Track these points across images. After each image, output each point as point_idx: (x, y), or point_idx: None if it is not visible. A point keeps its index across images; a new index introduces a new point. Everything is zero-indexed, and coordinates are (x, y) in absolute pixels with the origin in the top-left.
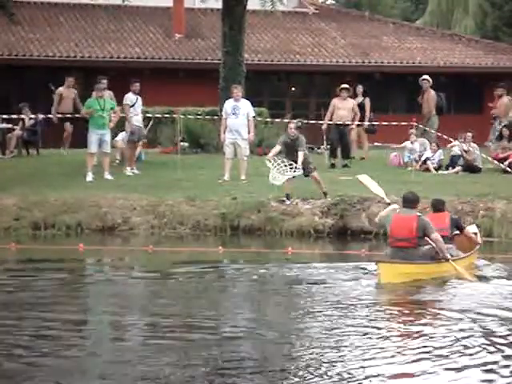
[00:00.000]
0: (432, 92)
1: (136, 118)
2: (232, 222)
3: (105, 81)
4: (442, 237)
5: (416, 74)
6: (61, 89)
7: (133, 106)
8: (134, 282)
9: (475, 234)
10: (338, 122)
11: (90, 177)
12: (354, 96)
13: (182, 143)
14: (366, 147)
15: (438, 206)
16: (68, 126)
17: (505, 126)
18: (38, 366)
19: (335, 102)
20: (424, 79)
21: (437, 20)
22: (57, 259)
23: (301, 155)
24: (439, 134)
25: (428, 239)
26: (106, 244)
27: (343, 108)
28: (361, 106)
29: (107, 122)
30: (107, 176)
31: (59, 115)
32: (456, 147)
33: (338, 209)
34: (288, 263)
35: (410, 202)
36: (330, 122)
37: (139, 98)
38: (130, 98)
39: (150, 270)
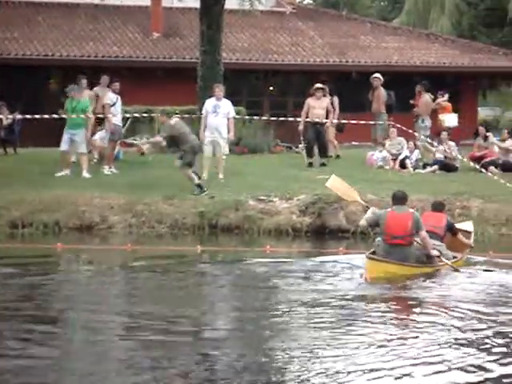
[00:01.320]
0: (382, 90)
1: (116, 118)
2: (210, 221)
3: (84, 81)
4: (435, 234)
5: (393, 73)
6: (96, 89)
7: (113, 105)
8: (111, 280)
9: (470, 232)
10: (316, 120)
11: (60, 173)
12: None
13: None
14: (336, 145)
15: (437, 207)
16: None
17: (481, 124)
18: (10, 369)
19: (310, 101)
20: (375, 77)
21: (413, 20)
22: (34, 258)
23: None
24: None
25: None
26: (84, 243)
27: (318, 107)
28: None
29: (80, 122)
30: (85, 174)
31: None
32: (438, 153)
33: (315, 207)
34: (267, 261)
35: (400, 199)
36: (308, 120)
37: (119, 98)
38: (110, 97)
39: (129, 269)
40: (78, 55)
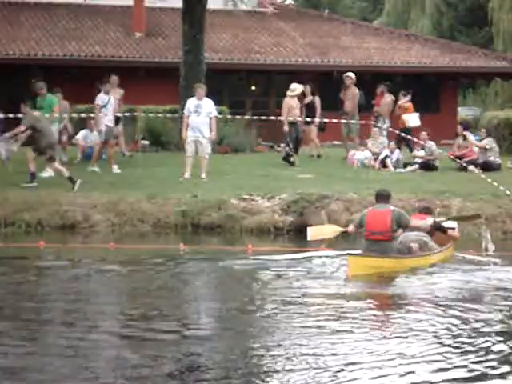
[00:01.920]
0: (356, 89)
1: (108, 118)
2: (192, 220)
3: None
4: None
5: (374, 73)
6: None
7: (104, 106)
8: (93, 279)
9: (453, 229)
10: (298, 119)
11: (45, 173)
12: (304, 96)
13: (142, 141)
14: (318, 144)
15: (424, 210)
16: (118, 129)
17: (460, 123)
18: None
19: (289, 101)
20: (347, 76)
21: (394, 20)
22: (16, 257)
23: None
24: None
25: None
26: (67, 242)
27: (297, 107)
28: (310, 105)
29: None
30: (44, 173)
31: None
32: (421, 151)
33: (297, 206)
34: (250, 259)
35: (383, 197)
36: (290, 119)
37: (112, 98)
38: (101, 98)
39: (111, 268)
40: (61, 55)
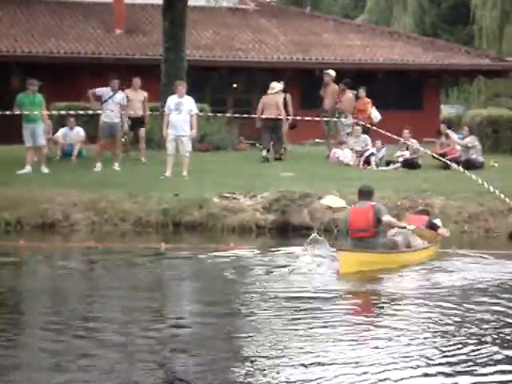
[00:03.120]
0: (336, 86)
1: (106, 114)
2: (174, 218)
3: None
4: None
5: (357, 70)
6: (127, 91)
7: (106, 101)
8: (73, 277)
9: (439, 227)
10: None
11: (26, 169)
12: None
13: (123, 139)
14: (287, 140)
15: (420, 212)
16: (141, 131)
17: (443, 122)
18: None
19: (264, 99)
20: (325, 73)
21: (376, 17)
22: None
23: None
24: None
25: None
26: (47, 240)
27: (275, 105)
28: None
29: (39, 116)
30: (43, 169)
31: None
32: (406, 152)
33: (279, 205)
34: (232, 256)
35: (365, 194)
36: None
37: (117, 95)
38: (102, 90)
39: (92, 266)
40: (40, 52)
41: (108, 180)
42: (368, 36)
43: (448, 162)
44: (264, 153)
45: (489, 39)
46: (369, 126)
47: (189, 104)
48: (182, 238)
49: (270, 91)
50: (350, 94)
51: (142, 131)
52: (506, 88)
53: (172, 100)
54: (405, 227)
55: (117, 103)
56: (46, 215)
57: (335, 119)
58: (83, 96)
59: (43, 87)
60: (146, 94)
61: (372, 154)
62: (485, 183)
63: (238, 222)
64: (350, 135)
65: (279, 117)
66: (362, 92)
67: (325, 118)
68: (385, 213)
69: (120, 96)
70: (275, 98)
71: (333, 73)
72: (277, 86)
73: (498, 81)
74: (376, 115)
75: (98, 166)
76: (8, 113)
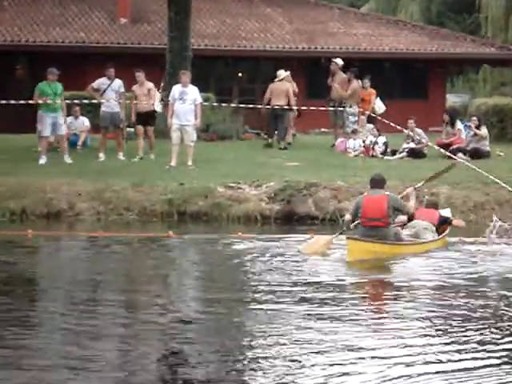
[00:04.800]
0: (342, 75)
1: (106, 103)
2: (179, 208)
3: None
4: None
5: (362, 59)
6: (135, 87)
7: (105, 90)
8: (80, 266)
9: (452, 219)
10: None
11: (43, 160)
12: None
13: (128, 129)
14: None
15: (429, 205)
16: (148, 130)
17: (445, 111)
18: None
19: (271, 86)
20: (333, 61)
21: (382, 6)
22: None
23: None
24: (385, 121)
25: (405, 218)
26: (53, 230)
27: (282, 93)
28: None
29: (59, 105)
30: (67, 160)
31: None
32: (411, 143)
33: (284, 194)
34: (241, 244)
35: (377, 182)
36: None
37: (115, 83)
38: (99, 81)
39: (100, 255)
40: (45, 41)
41: (113, 169)
42: (373, 25)
43: (450, 154)
44: (269, 140)
45: (495, 28)
46: (373, 115)
47: (193, 93)
48: (187, 228)
49: (276, 79)
50: (356, 83)
51: (149, 130)
52: None
53: (176, 89)
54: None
55: (115, 91)
56: (50, 205)
57: (340, 108)
58: (87, 87)
59: (47, 77)
60: (150, 85)
61: (375, 143)
62: (489, 176)
63: (243, 212)
64: (354, 124)
65: (286, 106)
66: (367, 82)
67: (331, 108)
68: (404, 205)
69: (117, 83)
70: (284, 86)
71: (340, 61)
72: (283, 73)
73: (503, 70)
74: (380, 106)
75: (101, 156)
76: (31, 102)
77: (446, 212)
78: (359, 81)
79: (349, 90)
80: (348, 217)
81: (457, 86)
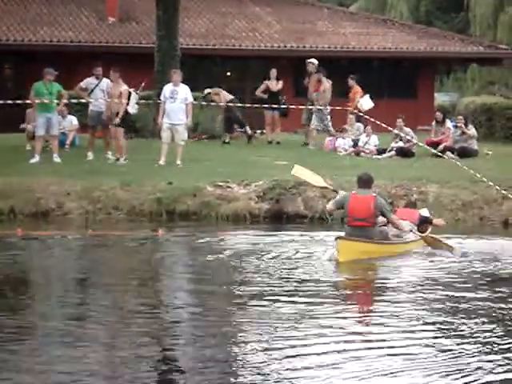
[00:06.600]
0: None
1: (94, 103)
2: (168, 207)
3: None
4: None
5: (351, 58)
6: (111, 85)
7: (93, 90)
8: (70, 265)
9: (431, 219)
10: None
11: (35, 159)
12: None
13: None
14: (278, 130)
15: (408, 205)
16: (114, 131)
17: (438, 109)
18: None
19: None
20: (309, 62)
21: (371, 5)
22: None
23: None
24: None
25: (385, 219)
26: (42, 229)
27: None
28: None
29: (54, 105)
30: (56, 159)
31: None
32: (400, 143)
33: (273, 193)
34: (232, 243)
35: (365, 182)
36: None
37: (102, 83)
38: (87, 81)
39: (89, 254)
40: (33, 40)
41: (101, 169)
42: (362, 24)
43: (438, 153)
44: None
45: (483, 27)
46: (358, 112)
47: (184, 92)
48: (176, 227)
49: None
50: (326, 82)
51: (115, 131)
52: (500, 76)
53: (167, 88)
54: (410, 230)
55: (103, 90)
56: (39, 204)
57: (317, 107)
58: (75, 87)
59: (36, 76)
60: (123, 88)
61: (366, 143)
62: (477, 174)
63: (232, 211)
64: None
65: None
66: (350, 81)
67: (309, 107)
68: (389, 210)
69: (105, 83)
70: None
71: (315, 61)
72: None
73: (491, 69)
74: (363, 103)
75: (90, 156)
76: (28, 101)
77: (425, 212)
78: (329, 80)
79: (321, 90)
80: (331, 206)
81: (445, 85)
